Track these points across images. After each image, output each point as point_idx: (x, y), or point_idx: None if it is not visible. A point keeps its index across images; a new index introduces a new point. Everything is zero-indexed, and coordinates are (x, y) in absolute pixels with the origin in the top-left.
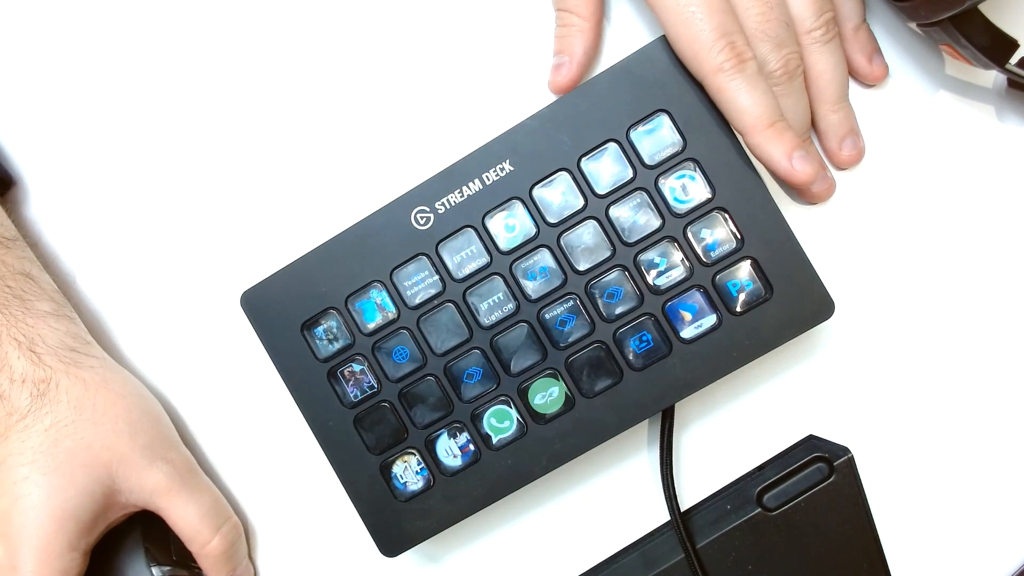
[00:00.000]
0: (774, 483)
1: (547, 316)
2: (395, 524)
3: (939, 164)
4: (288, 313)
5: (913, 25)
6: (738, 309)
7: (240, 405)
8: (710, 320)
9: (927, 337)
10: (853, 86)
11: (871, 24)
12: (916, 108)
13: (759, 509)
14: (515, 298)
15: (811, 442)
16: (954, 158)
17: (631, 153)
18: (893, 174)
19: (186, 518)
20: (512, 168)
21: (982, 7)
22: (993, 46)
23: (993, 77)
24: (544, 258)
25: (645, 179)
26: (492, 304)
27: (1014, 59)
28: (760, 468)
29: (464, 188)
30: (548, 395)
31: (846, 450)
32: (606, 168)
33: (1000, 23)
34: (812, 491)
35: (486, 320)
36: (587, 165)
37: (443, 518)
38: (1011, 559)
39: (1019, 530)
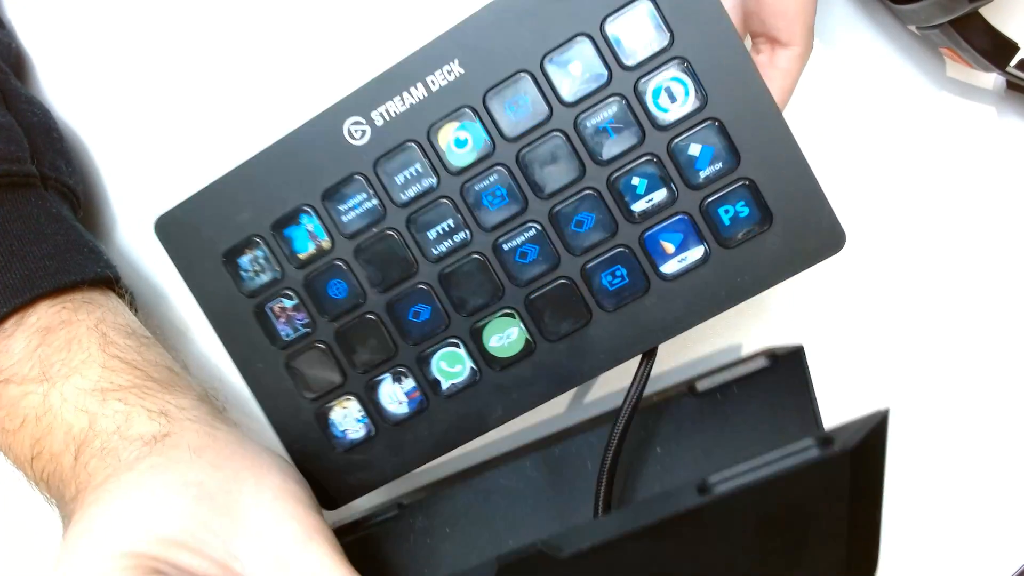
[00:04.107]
0: (712, 373)
1: (505, 247)
2: (334, 475)
3: (940, 167)
4: (208, 242)
5: (913, 28)
6: (730, 240)
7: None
8: (696, 253)
9: (930, 347)
10: (847, 86)
11: (871, 25)
12: (916, 111)
13: (687, 391)
14: (467, 226)
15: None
16: (954, 161)
17: (606, 51)
18: (894, 176)
19: None
20: (463, 70)
21: (982, 10)
22: (993, 49)
23: (993, 80)
24: (501, 179)
25: (623, 83)
26: (441, 233)
27: (1014, 61)
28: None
29: (405, 95)
30: (505, 337)
31: (799, 347)
32: (576, 69)
33: (1000, 26)
34: (749, 378)
35: (433, 251)
36: (552, 66)
37: (387, 470)
38: (1011, 559)
39: (1019, 530)
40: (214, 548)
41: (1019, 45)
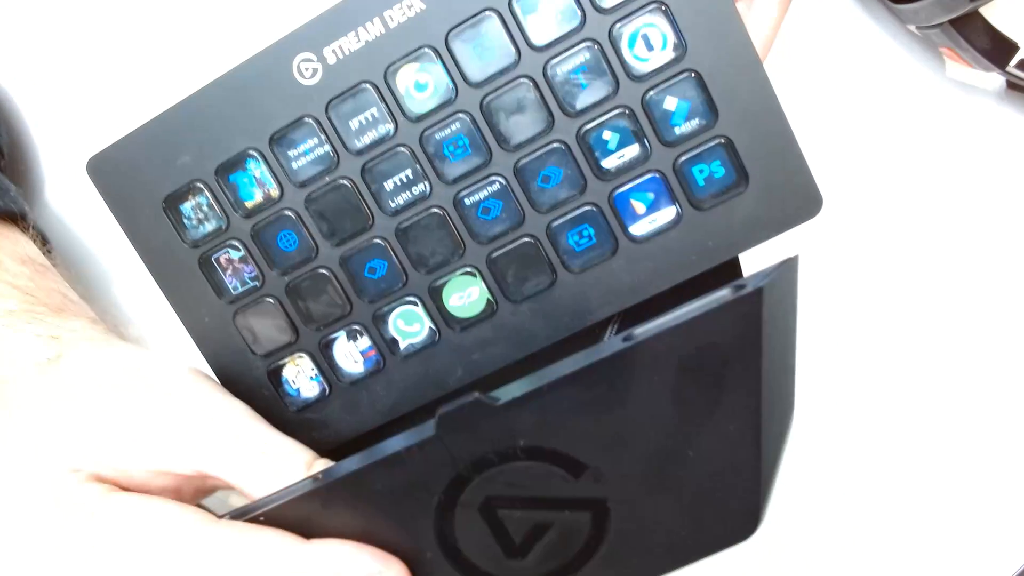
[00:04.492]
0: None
1: (467, 201)
2: (287, 435)
3: (940, 166)
4: (147, 186)
5: (913, 28)
6: (703, 202)
7: (103, 298)
8: (668, 214)
9: (931, 348)
10: (850, 87)
11: (870, 26)
12: (916, 111)
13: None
14: (427, 177)
15: None
16: (955, 160)
17: None
18: (894, 176)
19: None
20: (424, 6)
21: (982, 9)
22: (994, 48)
23: (993, 79)
24: (464, 128)
25: (597, 27)
26: (398, 184)
27: (1014, 61)
28: None
29: (361, 31)
30: (466, 296)
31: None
32: (547, 10)
33: (1000, 25)
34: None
35: (391, 204)
36: (522, 5)
37: (343, 430)
38: (1011, 559)
39: (1019, 530)
40: (142, 457)
41: (1019, 45)
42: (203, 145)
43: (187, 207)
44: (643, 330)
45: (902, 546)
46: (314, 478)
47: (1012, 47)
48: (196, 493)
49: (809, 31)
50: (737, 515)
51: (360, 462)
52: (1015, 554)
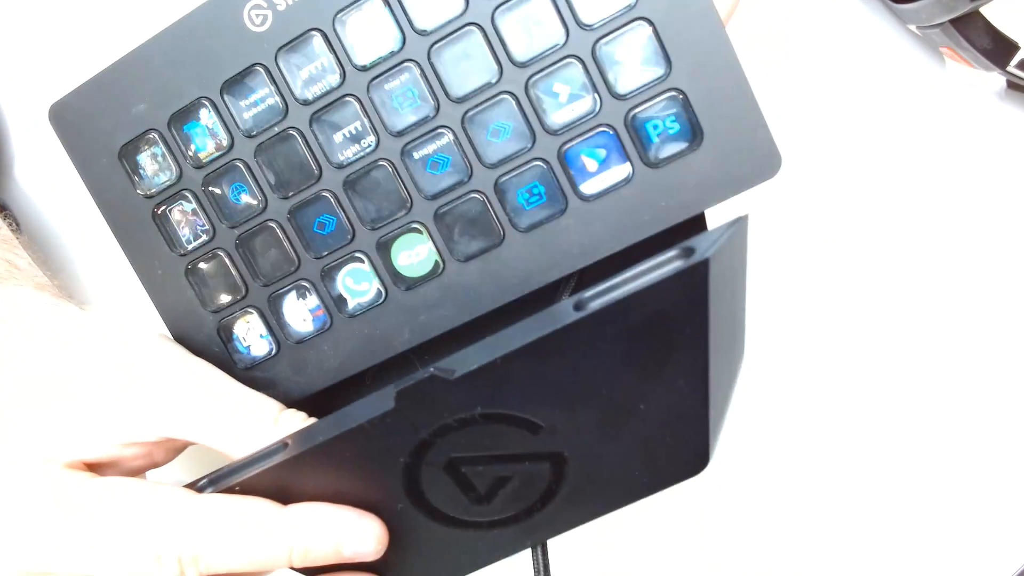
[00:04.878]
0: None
1: (415, 155)
2: None
3: (940, 166)
4: (104, 134)
5: (913, 27)
6: (656, 158)
7: (66, 249)
8: (620, 171)
9: (932, 349)
10: (848, 86)
11: (870, 26)
12: (916, 110)
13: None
14: (374, 130)
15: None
16: (955, 160)
17: None
18: (894, 176)
19: None
20: None
21: (982, 9)
22: (994, 48)
23: (993, 79)
24: (412, 78)
25: None
26: (347, 137)
27: (1014, 61)
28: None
29: None
30: (415, 255)
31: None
32: None
33: (1000, 25)
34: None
35: (339, 156)
36: None
37: (291, 390)
38: (1011, 559)
39: (1019, 530)
40: (110, 434)
41: (1019, 44)
42: (158, 93)
43: (142, 157)
44: (593, 296)
45: (902, 546)
46: (283, 443)
47: (1012, 47)
48: (168, 453)
49: (810, 31)
50: (689, 453)
51: (326, 432)
52: (1015, 554)
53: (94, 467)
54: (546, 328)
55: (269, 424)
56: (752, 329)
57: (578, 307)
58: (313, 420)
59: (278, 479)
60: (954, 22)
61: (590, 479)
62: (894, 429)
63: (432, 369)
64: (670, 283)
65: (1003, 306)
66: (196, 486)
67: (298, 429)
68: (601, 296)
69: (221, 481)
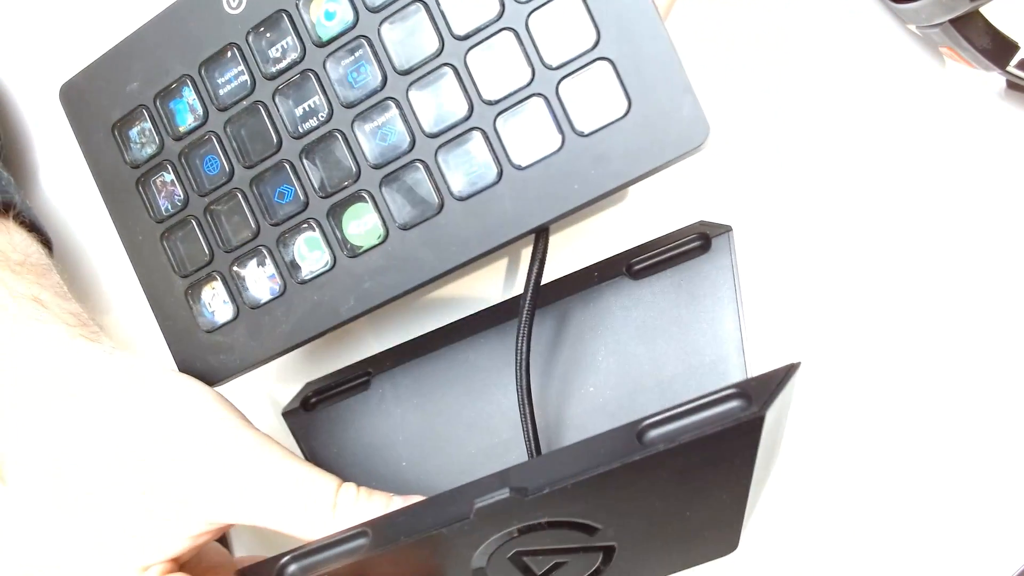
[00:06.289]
0: (648, 256)
1: (364, 126)
2: (199, 356)
3: (940, 166)
4: (102, 111)
5: (913, 27)
6: (584, 128)
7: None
8: (551, 141)
9: (933, 350)
10: (848, 86)
11: (870, 26)
12: (916, 110)
13: (624, 272)
14: (329, 102)
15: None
16: (955, 160)
17: None
18: (893, 176)
19: None
20: None
21: (982, 9)
22: (994, 48)
23: (993, 79)
24: (363, 54)
25: None
26: (306, 110)
27: (1015, 61)
28: (641, 246)
29: None
30: (363, 224)
31: (727, 227)
32: None
33: (1000, 25)
34: (680, 258)
35: (298, 128)
36: None
37: (247, 355)
38: (1011, 559)
39: (1019, 530)
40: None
41: (1019, 44)
42: (148, 72)
43: (134, 131)
44: (654, 424)
45: (901, 546)
46: (363, 531)
47: (1012, 47)
48: (217, 534)
49: (809, 30)
50: (723, 544)
51: (407, 532)
52: (1015, 554)
53: (176, 560)
54: (613, 462)
55: (328, 507)
56: (752, 329)
57: (640, 436)
58: (364, 493)
59: (362, 570)
60: (954, 22)
61: (634, 563)
62: (894, 429)
63: (508, 491)
64: (727, 433)
65: (1003, 306)
66: (280, 563)
67: (377, 516)
68: (661, 426)
69: (304, 557)
